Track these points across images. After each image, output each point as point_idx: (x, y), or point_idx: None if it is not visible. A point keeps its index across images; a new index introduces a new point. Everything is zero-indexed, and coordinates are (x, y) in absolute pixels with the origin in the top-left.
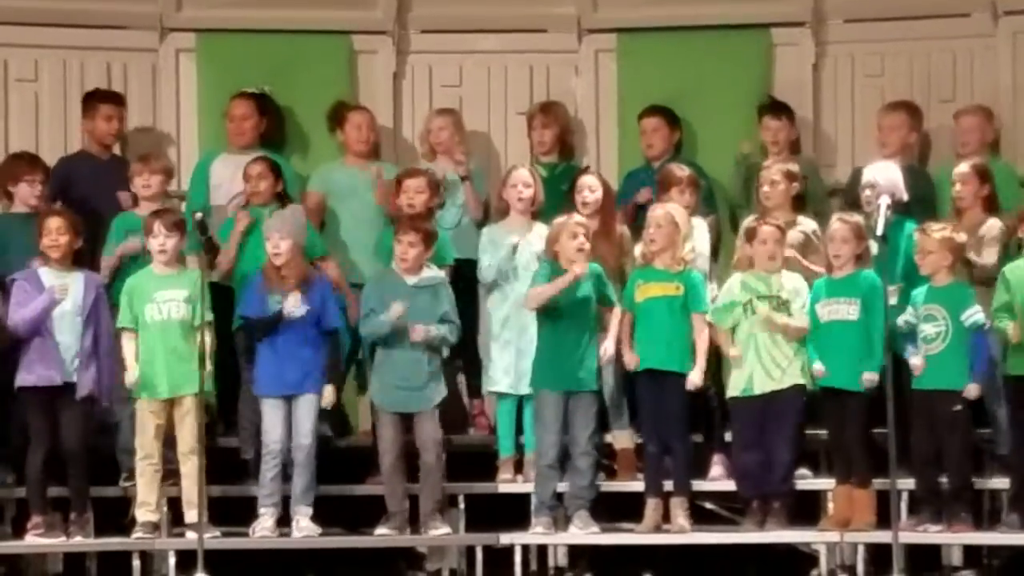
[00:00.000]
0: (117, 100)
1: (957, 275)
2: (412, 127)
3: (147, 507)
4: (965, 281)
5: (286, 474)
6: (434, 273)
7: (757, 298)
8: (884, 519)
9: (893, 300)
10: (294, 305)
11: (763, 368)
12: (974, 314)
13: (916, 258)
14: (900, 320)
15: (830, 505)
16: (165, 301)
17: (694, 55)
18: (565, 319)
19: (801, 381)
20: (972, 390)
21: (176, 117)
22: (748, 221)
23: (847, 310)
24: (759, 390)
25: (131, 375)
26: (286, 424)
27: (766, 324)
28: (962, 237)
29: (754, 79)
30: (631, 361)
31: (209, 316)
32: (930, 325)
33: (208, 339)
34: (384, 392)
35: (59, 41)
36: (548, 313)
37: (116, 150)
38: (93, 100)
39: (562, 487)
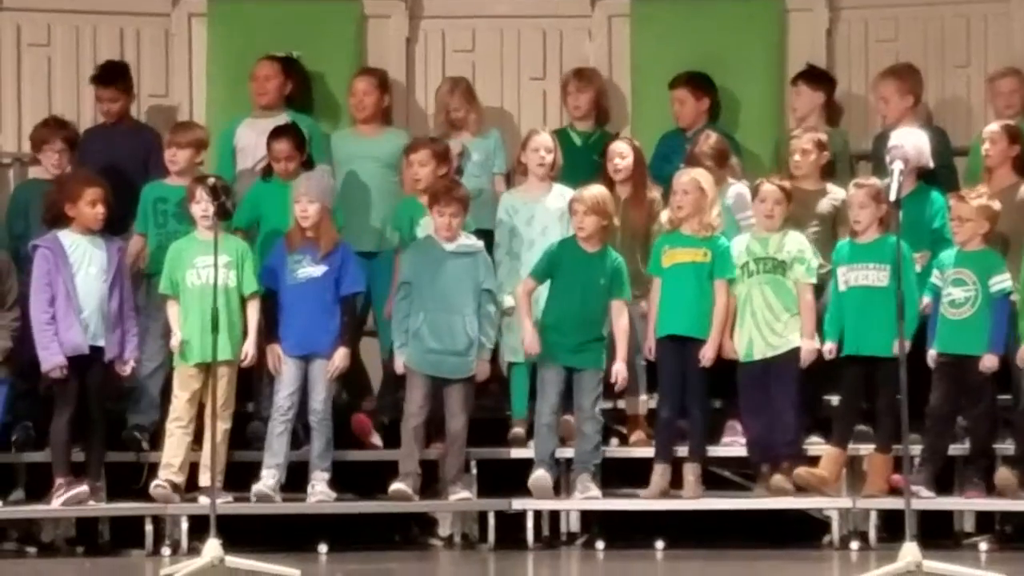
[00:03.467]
0: (111, 82)
1: (988, 241)
2: (425, 92)
3: (171, 468)
4: (995, 248)
5: (295, 441)
6: (472, 241)
7: (755, 260)
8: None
9: (918, 268)
10: None
11: (760, 333)
12: (1002, 281)
13: (952, 225)
14: (927, 300)
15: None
16: (205, 267)
17: (708, 20)
18: (576, 301)
19: (798, 344)
20: (988, 361)
21: (188, 82)
22: (756, 181)
23: (876, 276)
24: (759, 355)
25: (175, 341)
26: (300, 384)
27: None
28: (997, 204)
29: (768, 45)
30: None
31: (252, 285)
32: (959, 289)
33: (237, 305)
34: (420, 355)
35: (72, 6)
36: (558, 292)
37: (134, 113)
38: (92, 82)
39: (570, 452)
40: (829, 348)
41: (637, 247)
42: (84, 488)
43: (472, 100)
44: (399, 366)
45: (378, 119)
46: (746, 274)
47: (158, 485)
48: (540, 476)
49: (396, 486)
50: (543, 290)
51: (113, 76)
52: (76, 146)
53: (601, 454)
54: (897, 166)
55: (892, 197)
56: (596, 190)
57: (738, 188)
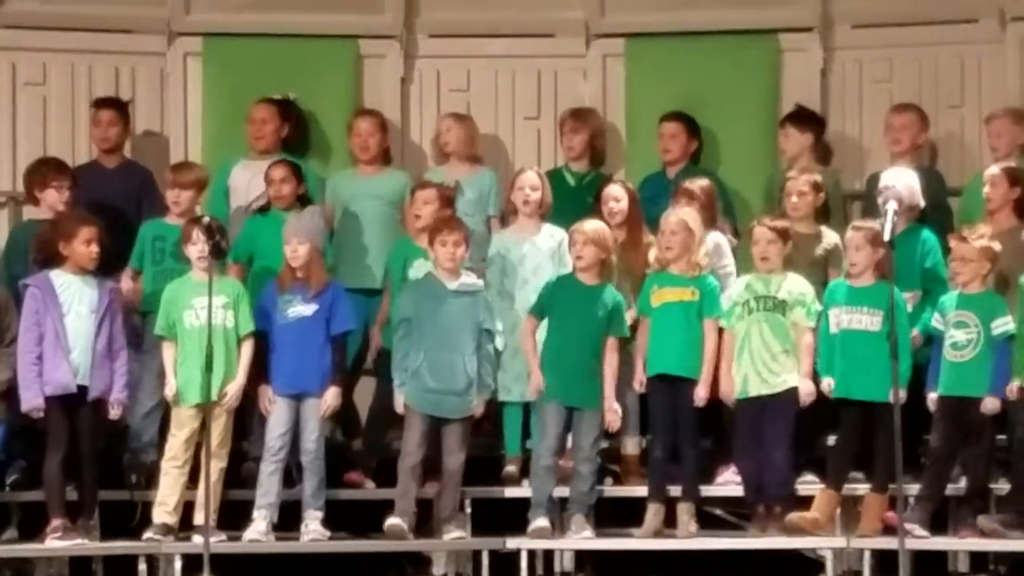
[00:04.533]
0: (111, 105)
1: (988, 283)
2: (420, 131)
3: (164, 508)
4: (995, 290)
5: (287, 479)
6: (473, 280)
7: (755, 298)
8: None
9: (908, 307)
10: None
11: (756, 371)
12: (1005, 324)
13: (953, 266)
14: (915, 332)
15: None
16: (204, 308)
17: (702, 61)
18: (574, 336)
19: (795, 384)
20: (990, 403)
21: (184, 121)
22: (750, 224)
23: (870, 320)
24: (754, 392)
25: (170, 387)
26: (292, 423)
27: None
28: (998, 246)
29: (762, 85)
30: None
31: (247, 326)
32: (961, 332)
33: (233, 345)
34: (419, 393)
35: (67, 45)
36: (556, 328)
37: (128, 153)
38: (93, 107)
39: (565, 492)
40: (828, 383)
41: (634, 289)
42: (79, 541)
43: (468, 133)
44: (399, 405)
45: (380, 159)
46: (746, 311)
47: (150, 538)
48: (541, 527)
49: (392, 521)
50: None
51: (114, 101)
52: (75, 185)
53: (596, 494)
54: (891, 206)
55: (886, 237)
56: (596, 223)
57: (715, 237)
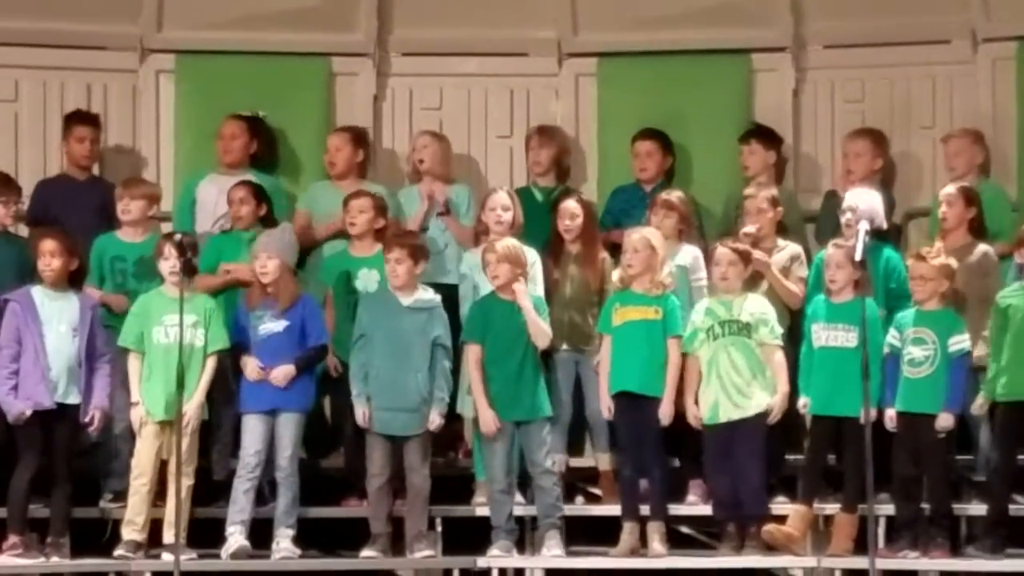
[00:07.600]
0: (91, 121)
1: (947, 300)
2: (392, 149)
3: (133, 526)
4: (953, 307)
5: (260, 497)
6: (430, 295)
7: (719, 323)
8: (861, 544)
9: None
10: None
11: (727, 395)
12: (961, 341)
13: (911, 284)
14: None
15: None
16: (173, 325)
17: (674, 80)
18: (505, 353)
19: (764, 408)
20: (944, 420)
21: (156, 138)
22: (712, 245)
23: (845, 337)
24: (724, 418)
25: (135, 399)
26: (266, 441)
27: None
28: (955, 263)
29: (734, 104)
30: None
31: (217, 343)
32: (919, 348)
33: (201, 364)
34: (376, 414)
35: (39, 62)
36: (488, 346)
37: (95, 171)
38: (69, 122)
39: (529, 511)
40: (804, 403)
41: (587, 306)
42: (40, 559)
43: (442, 152)
44: (359, 415)
45: (352, 174)
46: (711, 337)
47: (120, 555)
48: (497, 552)
49: (366, 553)
50: None
51: (91, 116)
52: (19, 199)
53: (562, 505)
54: (863, 226)
55: (858, 257)
56: (507, 240)
57: (693, 250)
